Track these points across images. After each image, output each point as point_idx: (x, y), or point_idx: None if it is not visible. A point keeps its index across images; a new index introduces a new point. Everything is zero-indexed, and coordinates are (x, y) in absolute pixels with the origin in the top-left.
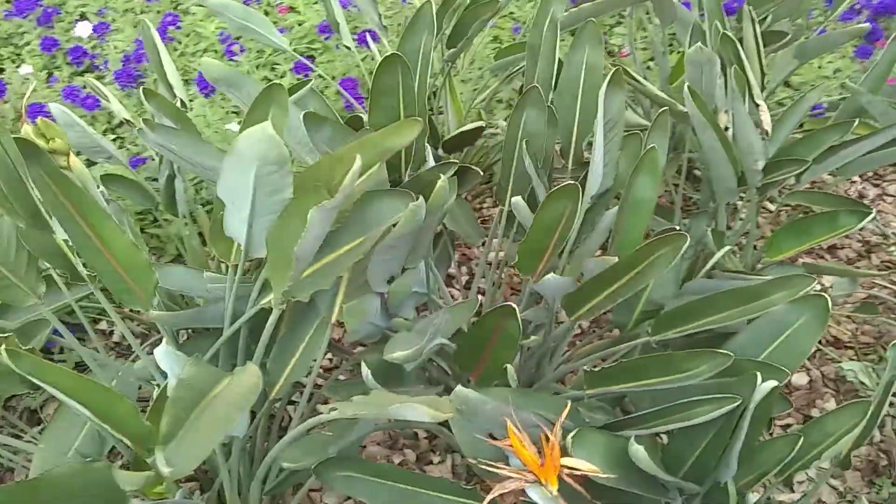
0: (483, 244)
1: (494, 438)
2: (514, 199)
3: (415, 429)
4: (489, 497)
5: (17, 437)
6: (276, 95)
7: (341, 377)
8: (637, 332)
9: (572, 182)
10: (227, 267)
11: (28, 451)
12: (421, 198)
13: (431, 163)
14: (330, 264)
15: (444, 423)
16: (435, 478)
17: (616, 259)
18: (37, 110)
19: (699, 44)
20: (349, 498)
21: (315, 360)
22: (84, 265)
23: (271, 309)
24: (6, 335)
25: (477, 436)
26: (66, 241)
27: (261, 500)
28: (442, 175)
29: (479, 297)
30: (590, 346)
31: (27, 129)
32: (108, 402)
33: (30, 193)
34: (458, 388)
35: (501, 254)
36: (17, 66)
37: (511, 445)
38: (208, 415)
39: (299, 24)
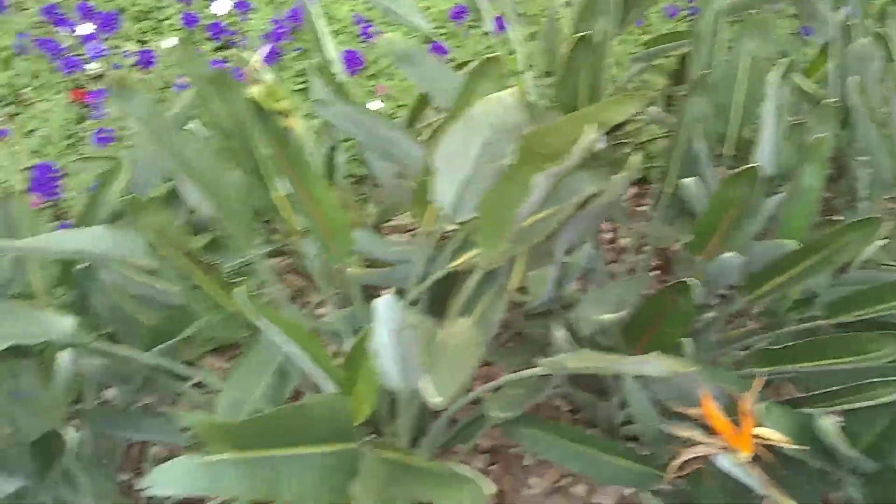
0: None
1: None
2: (685, 180)
3: (557, 402)
4: (679, 461)
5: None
6: (491, 68)
7: None
8: (786, 318)
9: (753, 165)
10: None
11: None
12: (626, 172)
13: (602, 142)
14: (527, 230)
15: (592, 396)
16: (616, 443)
17: (793, 243)
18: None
19: (863, 40)
20: None
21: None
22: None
23: (457, 272)
24: (236, 280)
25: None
26: (282, 197)
27: (432, 450)
28: (632, 153)
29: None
30: (743, 331)
31: (255, 90)
32: (313, 348)
33: (253, 151)
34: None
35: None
36: (160, 41)
37: (704, 414)
38: (451, 352)
39: (428, 9)
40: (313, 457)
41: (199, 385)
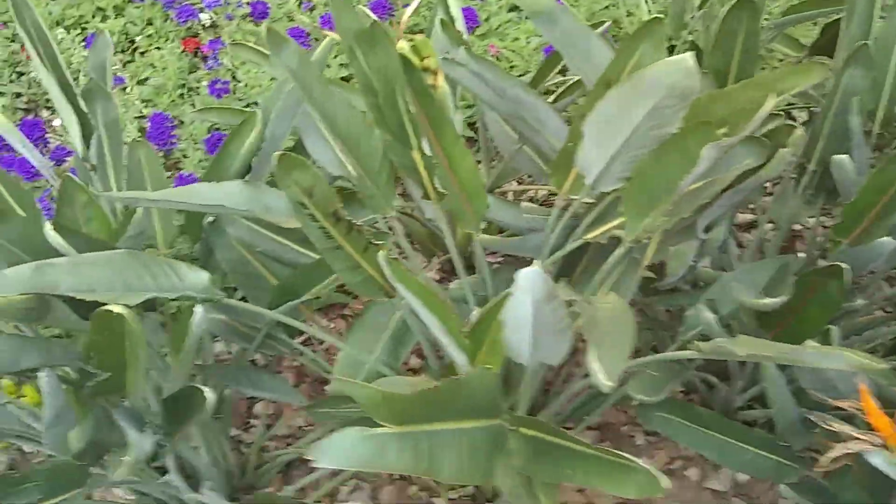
0: None
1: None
2: (838, 157)
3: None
4: (831, 455)
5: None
6: (654, 29)
7: None
8: None
9: None
10: None
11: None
12: (790, 148)
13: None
14: (680, 203)
15: (713, 378)
16: (753, 432)
17: None
18: (295, 34)
19: None
20: None
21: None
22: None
23: (588, 244)
24: (378, 243)
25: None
26: (421, 157)
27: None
28: (797, 126)
29: None
30: (867, 319)
31: (403, 45)
32: (447, 317)
33: (398, 108)
34: (808, 342)
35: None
36: None
37: (862, 408)
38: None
39: None
40: (466, 432)
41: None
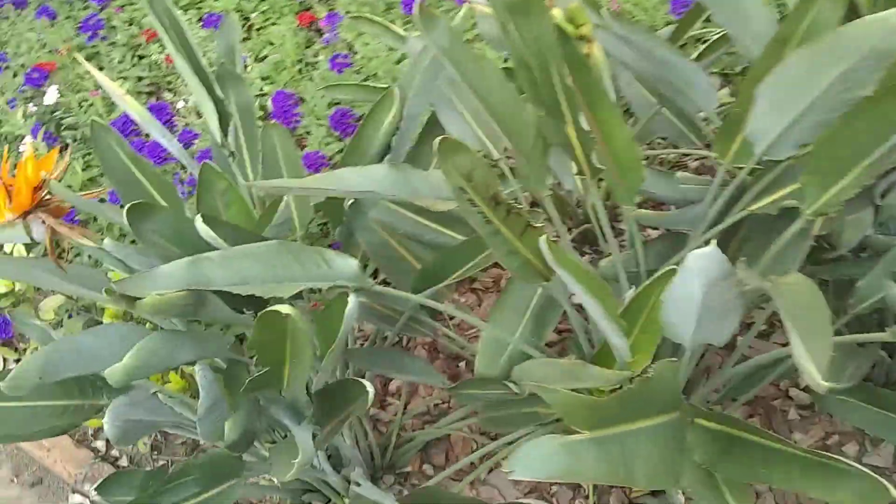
0: None
1: None
2: None
3: None
4: None
5: None
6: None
7: None
8: None
9: None
10: None
11: None
12: None
13: None
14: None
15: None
16: None
17: None
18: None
19: None
20: None
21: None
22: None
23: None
24: (537, 226)
25: None
26: (575, 131)
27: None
28: None
29: None
30: None
31: (556, 13)
32: (607, 301)
33: (552, 81)
34: None
35: None
36: None
37: None
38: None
39: None
40: (653, 430)
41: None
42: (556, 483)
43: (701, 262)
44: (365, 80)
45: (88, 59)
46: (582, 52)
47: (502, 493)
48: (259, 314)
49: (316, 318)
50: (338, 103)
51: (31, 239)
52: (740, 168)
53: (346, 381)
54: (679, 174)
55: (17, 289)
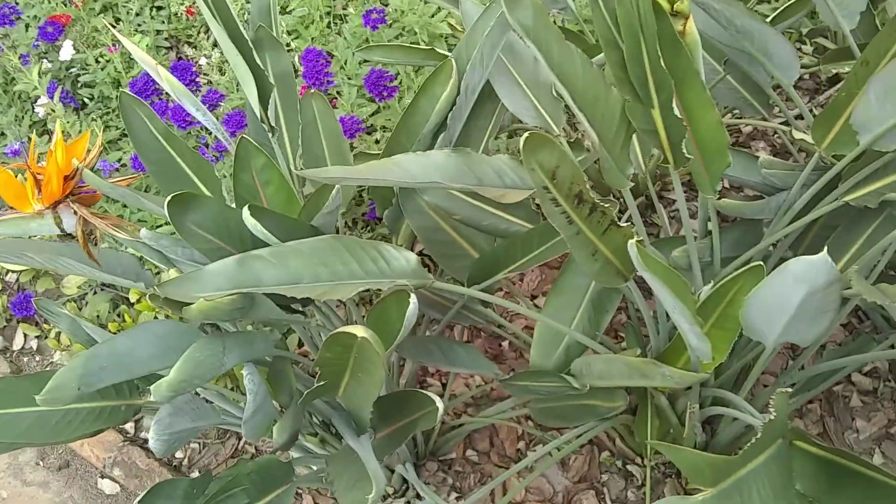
0: None
1: None
2: None
3: None
4: None
5: None
6: None
7: None
8: None
9: None
10: None
11: None
12: None
13: None
14: None
15: None
16: None
17: None
18: None
19: None
20: None
21: None
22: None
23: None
24: (622, 225)
25: None
26: (662, 117)
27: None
28: None
29: None
30: None
31: None
32: (687, 298)
33: (642, 62)
34: None
35: None
36: None
37: None
38: None
39: None
40: (763, 466)
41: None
42: (607, 471)
43: (808, 269)
44: (398, 36)
45: (104, 9)
46: (676, 30)
47: (550, 482)
48: (331, 334)
49: (369, 316)
50: (373, 62)
51: (62, 230)
52: (836, 156)
53: (410, 394)
54: (762, 158)
55: None
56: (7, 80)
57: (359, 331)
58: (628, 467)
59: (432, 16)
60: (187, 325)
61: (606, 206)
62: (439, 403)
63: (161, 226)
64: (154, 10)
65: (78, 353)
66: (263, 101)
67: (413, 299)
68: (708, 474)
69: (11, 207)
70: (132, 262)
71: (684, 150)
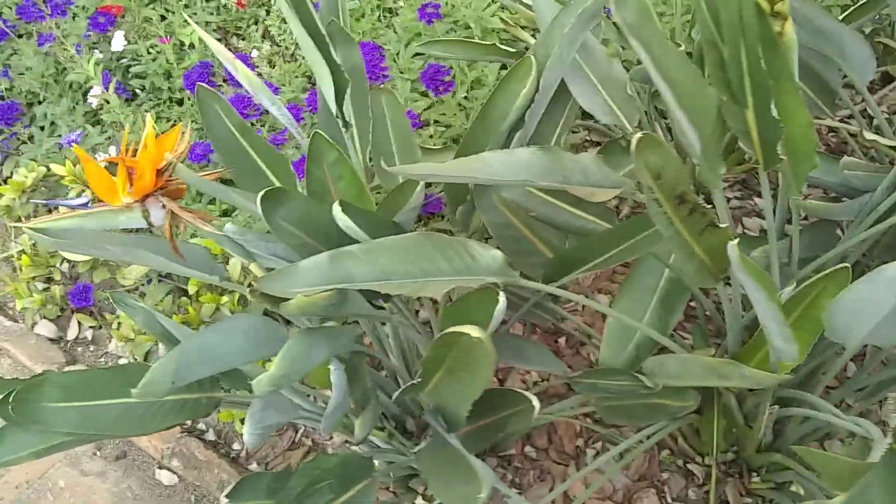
0: None
1: None
2: None
3: None
4: None
5: None
6: None
7: None
8: None
9: None
10: None
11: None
12: None
13: None
14: None
15: None
16: None
17: None
18: None
19: None
20: None
21: None
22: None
23: None
24: (723, 225)
25: None
26: (755, 118)
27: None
28: None
29: None
30: None
31: None
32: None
33: (741, 62)
34: None
35: None
36: None
37: None
38: None
39: None
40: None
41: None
42: (667, 470)
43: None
44: (449, 30)
45: (153, 0)
46: (775, 31)
47: (611, 480)
48: (443, 333)
49: (447, 313)
50: (425, 56)
51: (149, 224)
52: None
53: (504, 392)
54: (844, 160)
55: None
56: (58, 69)
57: (473, 331)
58: (689, 466)
59: (485, 9)
60: (269, 320)
61: (708, 207)
62: (535, 402)
63: (227, 213)
64: (204, 1)
65: (141, 343)
66: (339, 95)
67: (502, 297)
68: (848, 480)
69: (100, 200)
70: (204, 253)
71: (779, 152)
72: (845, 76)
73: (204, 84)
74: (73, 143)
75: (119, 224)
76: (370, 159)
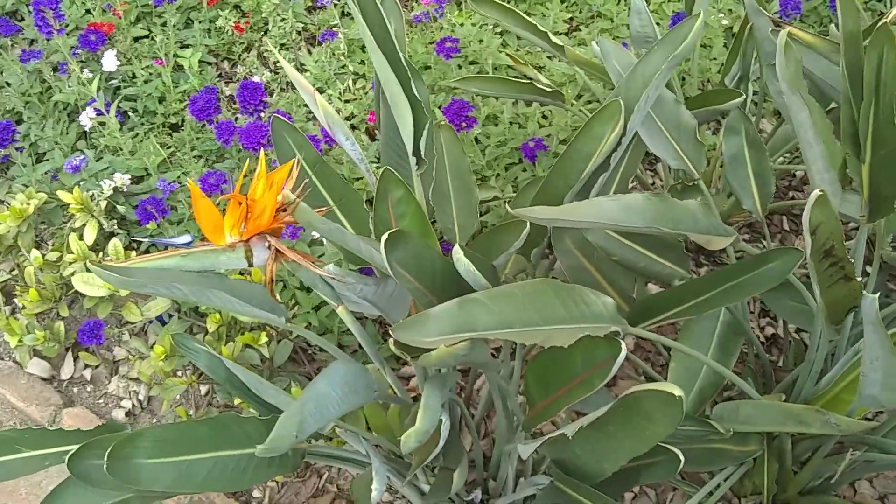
0: None
1: None
2: None
3: None
4: None
5: None
6: None
7: None
8: None
9: None
10: None
11: None
12: None
13: None
14: None
15: None
16: None
17: None
18: None
19: None
20: None
21: None
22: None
23: None
24: (857, 279)
25: None
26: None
27: None
28: None
29: None
30: None
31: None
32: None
33: (869, 114)
34: None
35: None
36: None
37: None
38: None
39: None
40: None
41: None
42: None
43: None
44: (459, 66)
45: (139, 19)
46: None
47: None
48: (635, 392)
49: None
50: (435, 91)
51: (250, 264)
52: None
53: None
54: None
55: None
56: (44, 89)
57: (675, 389)
58: None
59: (499, 42)
60: (361, 367)
61: (851, 261)
62: (681, 456)
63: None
64: (197, 23)
65: (171, 386)
66: (418, 133)
67: (624, 347)
68: None
69: (203, 239)
70: (265, 293)
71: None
72: None
73: (278, 115)
74: (76, 169)
75: (220, 265)
76: (431, 196)
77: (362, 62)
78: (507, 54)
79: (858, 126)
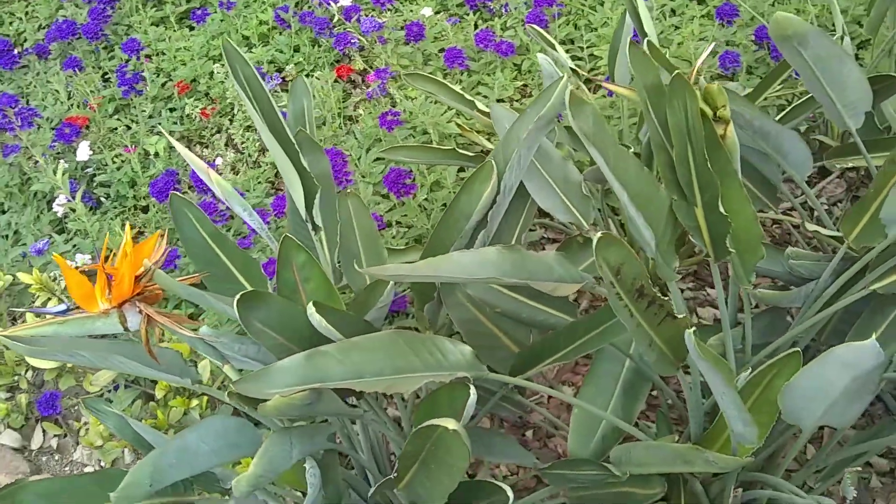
0: None
1: None
2: None
3: None
4: None
5: None
6: None
7: None
8: None
9: None
10: None
11: None
12: None
13: None
14: None
15: None
16: None
17: None
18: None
19: None
20: None
21: None
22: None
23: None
24: (678, 316)
25: None
26: (704, 214)
27: None
28: None
29: None
30: None
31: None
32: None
33: (688, 163)
34: None
35: None
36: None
37: None
38: None
39: None
40: None
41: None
42: None
43: (857, 355)
44: (408, 136)
45: (117, 111)
46: (718, 134)
47: None
48: (419, 427)
49: (419, 409)
50: (385, 161)
51: (126, 329)
52: (865, 248)
53: (479, 483)
54: (789, 250)
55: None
56: (23, 180)
57: (449, 423)
58: None
59: (441, 115)
60: (243, 421)
61: (665, 299)
62: (509, 492)
63: (193, 315)
64: (168, 111)
65: (110, 450)
66: (309, 200)
67: (473, 390)
68: None
69: (77, 307)
70: (175, 357)
71: (728, 245)
72: (784, 172)
73: (178, 193)
74: (40, 252)
75: (96, 330)
76: (338, 261)
77: (324, 140)
78: (457, 123)
79: (678, 171)
